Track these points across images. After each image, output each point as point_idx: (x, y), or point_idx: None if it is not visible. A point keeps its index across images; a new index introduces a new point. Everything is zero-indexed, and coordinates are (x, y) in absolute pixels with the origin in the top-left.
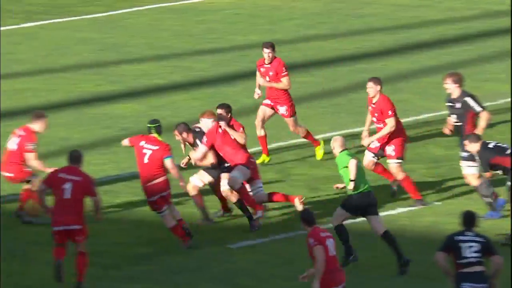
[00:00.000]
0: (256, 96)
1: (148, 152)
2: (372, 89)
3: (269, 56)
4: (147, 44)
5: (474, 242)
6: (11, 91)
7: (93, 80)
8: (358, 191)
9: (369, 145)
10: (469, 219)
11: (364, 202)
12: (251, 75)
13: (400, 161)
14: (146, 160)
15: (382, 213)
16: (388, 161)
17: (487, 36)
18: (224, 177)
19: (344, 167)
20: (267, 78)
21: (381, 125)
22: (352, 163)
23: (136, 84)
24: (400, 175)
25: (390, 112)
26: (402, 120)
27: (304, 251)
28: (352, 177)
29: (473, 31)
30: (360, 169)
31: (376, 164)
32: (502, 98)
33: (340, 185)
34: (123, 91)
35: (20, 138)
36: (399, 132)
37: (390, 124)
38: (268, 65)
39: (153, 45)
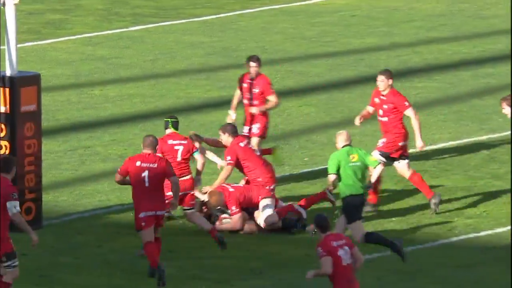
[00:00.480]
0: (229, 120)
1: (180, 148)
2: (383, 83)
3: (255, 71)
4: (258, 48)
5: None
6: (119, 97)
7: (202, 86)
8: (350, 193)
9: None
10: None
11: (357, 201)
12: (367, 80)
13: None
14: (179, 157)
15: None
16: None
17: None
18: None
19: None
20: (249, 95)
21: (386, 119)
22: (332, 157)
23: None
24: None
25: (407, 103)
26: None
27: (425, 266)
28: (329, 171)
29: None
30: (359, 170)
31: (414, 174)
32: None
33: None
34: (233, 96)
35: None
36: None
37: (413, 114)
38: (252, 81)
39: (265, 48)
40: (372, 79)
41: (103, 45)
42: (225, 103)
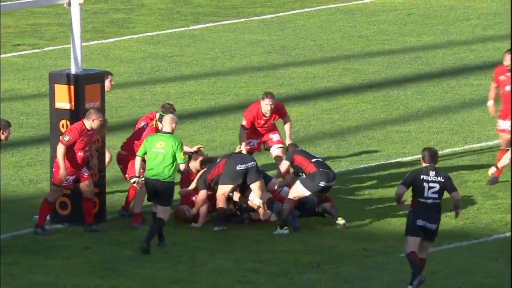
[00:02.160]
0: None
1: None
2: None
3: (271, 108)
4: (316, 46)
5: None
6: (180, 94)
7: (262, 83)
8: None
9: None
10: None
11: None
12: (423, 78)
13: None
14: None
15: None
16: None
17: None
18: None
19: None
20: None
21: None
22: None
23: (305, 87)
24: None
25: None
26: None
27: (479, 260)
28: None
29: None
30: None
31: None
32: None
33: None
34: (292, 94)
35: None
36: None
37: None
38: (268, 117)
39: (323, 47)
40: (429, 76)
41: (165, 43)
42: (284, 100)
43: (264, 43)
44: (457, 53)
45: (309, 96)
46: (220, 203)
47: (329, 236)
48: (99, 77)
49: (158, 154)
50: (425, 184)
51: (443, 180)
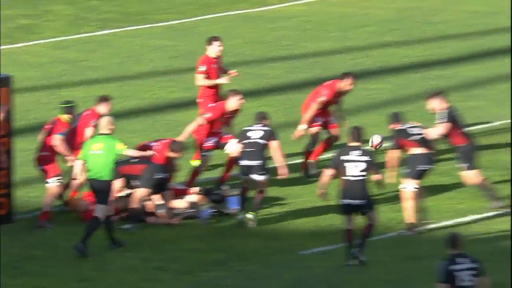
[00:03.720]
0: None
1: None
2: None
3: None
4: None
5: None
6: (87, 98)
7: (167, 87)
8: None
9: None
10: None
11: None
12: (323, 82)
13: None
14: None
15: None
16: None
17: None
18: None
19: None
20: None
21: None
22: None
23: None
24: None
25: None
26: (474, 127)
27: (380, 256)
28: None
29: None
30: None
31: None
32: None
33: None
34: (196, 98)
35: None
36: None
37: None
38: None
39: (226, 52)
40: (328, 81)
41: (72, 48)
42: (188, 104)
43: (169, 49)
44: (355, 58)
45: None
46: (134, 203)
47: (233, 235)
48: (6, 81)
49: (96, 156)
50: (346, 164)
51: (368, 159)
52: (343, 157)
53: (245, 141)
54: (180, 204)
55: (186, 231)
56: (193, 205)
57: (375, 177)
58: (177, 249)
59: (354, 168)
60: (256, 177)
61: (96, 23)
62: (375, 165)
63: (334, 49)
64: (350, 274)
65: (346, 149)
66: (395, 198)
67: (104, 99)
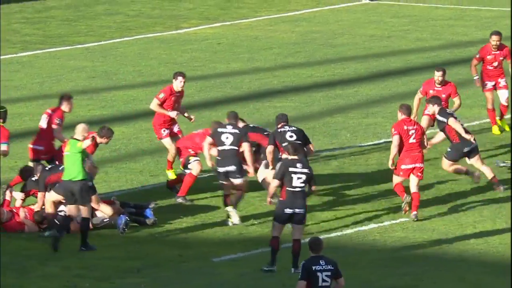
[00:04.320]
0: None
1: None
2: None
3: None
4: (136, 72)
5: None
6: (10, 115)
7: (86, 106)
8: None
9: None
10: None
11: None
12: (232, 100)
13: None
14: None
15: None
16: None
17: (452, 64)
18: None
19: None
20: None
21: None
22: None
23: (125, 109)
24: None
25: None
26: (372, 142)
27: (285, 264)
28: None
29: (439, 60)
30: None
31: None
32: (467, 122)
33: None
34: (114, 115)
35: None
36: None
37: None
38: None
39: (142, 72)
40: (237, 99)
41: None
42: (106, 121)
43: (88, 69)
44: (262, 78)
45: (129, 117)
46: (49, 208)
47: (148, 243)
48: None
49: (65, 158)
50: (293, 175)
51: (308, 172)
52: (291, 169)
53: (219, 148)
54: (105, 210)
55: (104, 240)
56: (110, 215)
57: (313, 188)
58: (96, 257)
59: (297, 180)
60: (234, 180)
61: (18, 45)
62: (313, 177)
63: (243, 69)
64: (257, 280)
65: (292, 161)
66: None
67: (67, 97)
